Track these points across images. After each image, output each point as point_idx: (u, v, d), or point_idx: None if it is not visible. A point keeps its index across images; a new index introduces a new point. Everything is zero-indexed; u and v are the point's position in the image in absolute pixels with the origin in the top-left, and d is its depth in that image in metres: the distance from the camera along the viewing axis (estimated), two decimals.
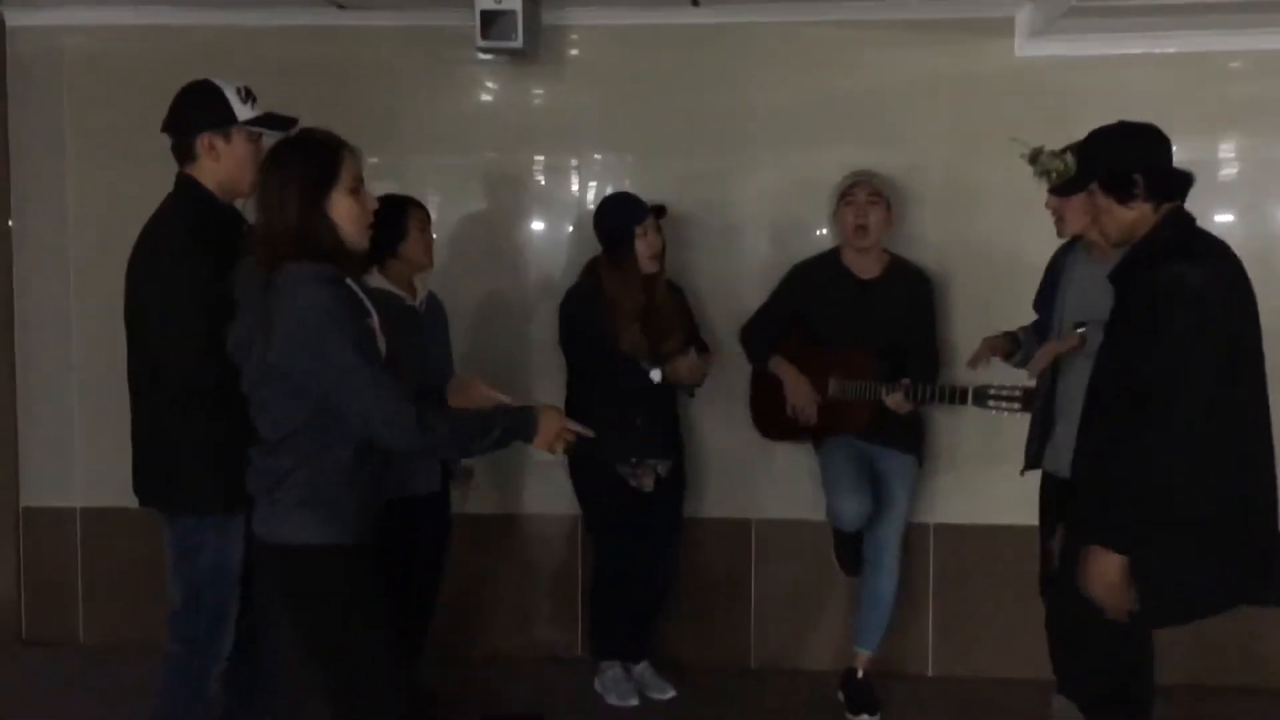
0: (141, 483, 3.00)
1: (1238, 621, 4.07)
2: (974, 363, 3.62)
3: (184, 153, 2.97)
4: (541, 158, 4.49)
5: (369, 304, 2.47)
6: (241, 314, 2.47)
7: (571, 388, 4.02)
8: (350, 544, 2.44)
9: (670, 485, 4.03)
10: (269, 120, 2.98)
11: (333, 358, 2.32)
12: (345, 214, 2.44)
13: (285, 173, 2.42)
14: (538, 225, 4.52)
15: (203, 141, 2.93)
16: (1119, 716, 3.06)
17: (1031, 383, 3.49)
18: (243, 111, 2.95)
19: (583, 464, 3.98)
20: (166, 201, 2.99)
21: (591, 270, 3.97)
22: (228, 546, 2.88)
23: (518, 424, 2.51)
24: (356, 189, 2.47)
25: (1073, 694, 3.19)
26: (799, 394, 3.95)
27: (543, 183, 4.51)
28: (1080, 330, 3.34)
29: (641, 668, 4.14)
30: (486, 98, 4.53)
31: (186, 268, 2.81)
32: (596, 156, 4.48)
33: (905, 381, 3.69)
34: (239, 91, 2.97)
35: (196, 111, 2.95)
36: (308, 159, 2.43)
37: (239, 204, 2.99)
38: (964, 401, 3.65)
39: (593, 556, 4.15)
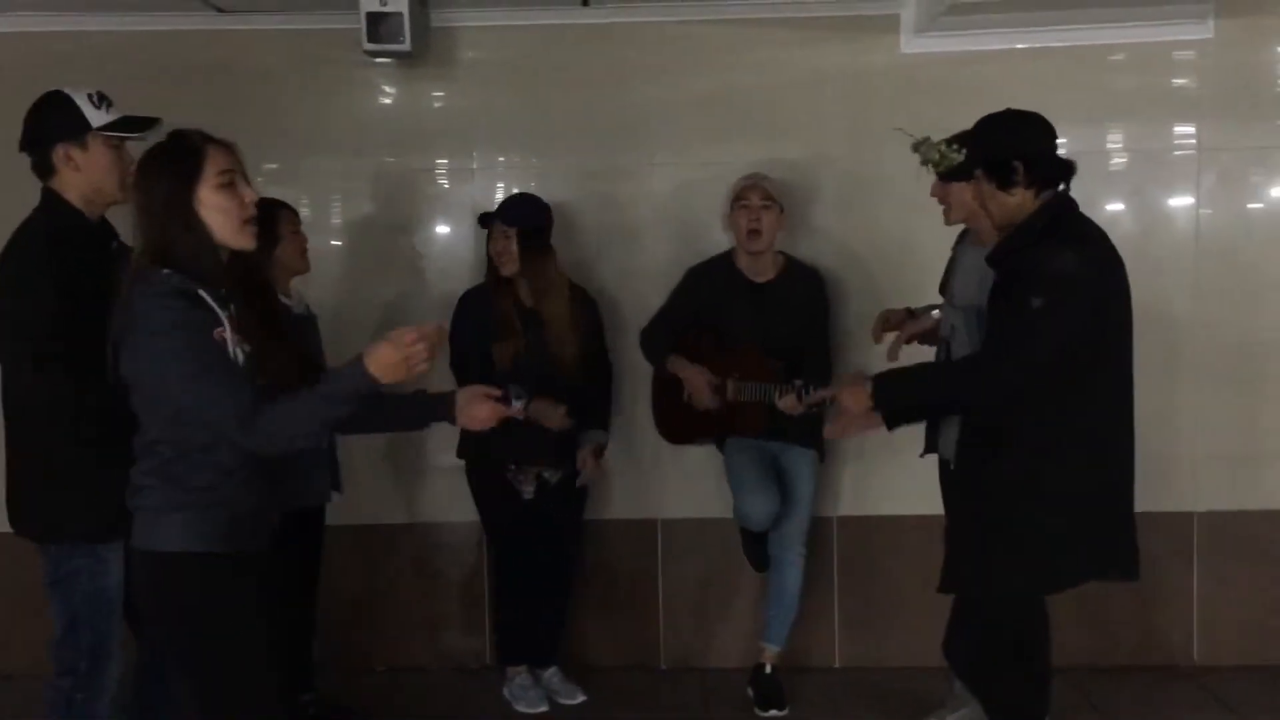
0: (12, 510, 2.90)
1: (1131, 603, 4.24)
2: (876, 336, 3.70)
3: (43, 168, 2.86)
4: (443, 161, 4.43)
5: (220, 313, 2.36)
6: (111, 331, 2.39)
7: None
8: (213, 552, 2.36)
9: (566, 490, 4.00)
10: (125, 124, 2.88)
11: (184, 370, 2.26)
12: (213, 209, 2.36)
13: (150, 177, 2.36)
14: (439, 229, 4.47)
15: (58, 153, 2.82)
16: (1002, 691, 3.11)
17: None
18: (96, 117, 2.84)
19: (475, 467, 3.97)
20: (29, 217, 2.87)
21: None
22: (103, 572, 2.78)
23: (351, 378, 2.30)
24: (228, 183, 2.38)
25: (959, 671, 3.24)
26: (696, 384, 3.95)
27: (445, 186, 4.45)
28: (934, 313, 3.46)
29: (550, 673, 4.11)
30: (381, 100, 4.45)
31: (34, 288, 2.72)
32: (499, 159, 4.44)
33: (797, 383, 3.71)
34: (91, 98, 2.86)
35: (49, 124, 2.84)
36: (169, 159, 2.36)
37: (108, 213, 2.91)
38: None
39: (490, 559, 4.13)
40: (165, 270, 2.31)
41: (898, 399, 3.06)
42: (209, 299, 2.35)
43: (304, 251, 3.72)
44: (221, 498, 2.37)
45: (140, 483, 2.39)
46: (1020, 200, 2.90)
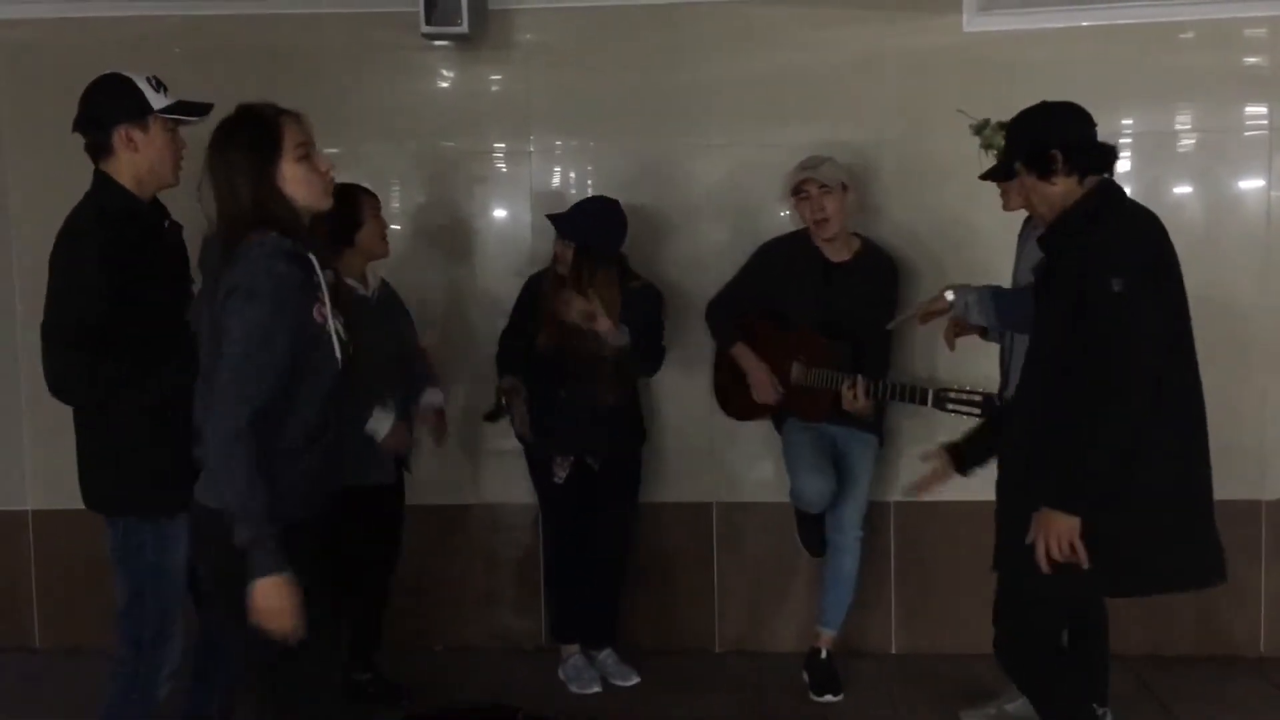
0: (84, 485, 2.95)
1: (1194, 593, 4.17)
2: (923, 319, 3.66)
3: (100, 149, 2.89)
4: (500, 144, 4.44)
5: (323, 284, 2.39)
6: (204, 288, 2.43)
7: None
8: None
9: (614, 474, 4.01)
10: (183, 107, 2.92)
11: (235, 330, 2.27)
12: (297, 181, 2.39)
13: (229, 153, 2.37)
14: (495, 212, 4.48)
15: (119, 135, 2.86)
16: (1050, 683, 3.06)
17: (992, 389, 3.49)
18: (157, 100, 2.88)
19: (531, 450, 4.01)
20: (82, 200, 2.92)
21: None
22: (168, 548, 2.84)
23: (261, 557, 2.26)
24: (305, 154, 2.41)
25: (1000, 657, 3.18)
26: (760, 385, 3.95)
27: (502, 169, 4.46)
28: (947, 293, 3.44)
29: (604, 655, 4.13)
30: (439, 83, 4.47)
31: (84, 278, 2.75)
32: (556, 142, 4.44)
33: (863, 380, 3.68)
34: (150, 81, 2.90)
35: (109, 105, 2.87)
36: (248, 134, 2.38)
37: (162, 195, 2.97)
38: (923, 402, 3.62)
39: (541, 540, 4.16)
40: (273, 233, 2.33)
41: (1089, 497, 2.74)
42: (315, 263, 2.37)
43: (384, 236, 3.76)
44: (290, 466, 2.37)
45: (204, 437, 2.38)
46: (1063, 189, 2.86)
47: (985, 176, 3.17)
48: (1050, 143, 2.85)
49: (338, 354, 2.40)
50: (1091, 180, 2.86)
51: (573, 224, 3.88)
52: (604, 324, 3.83)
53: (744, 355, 3.99)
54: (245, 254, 2.30)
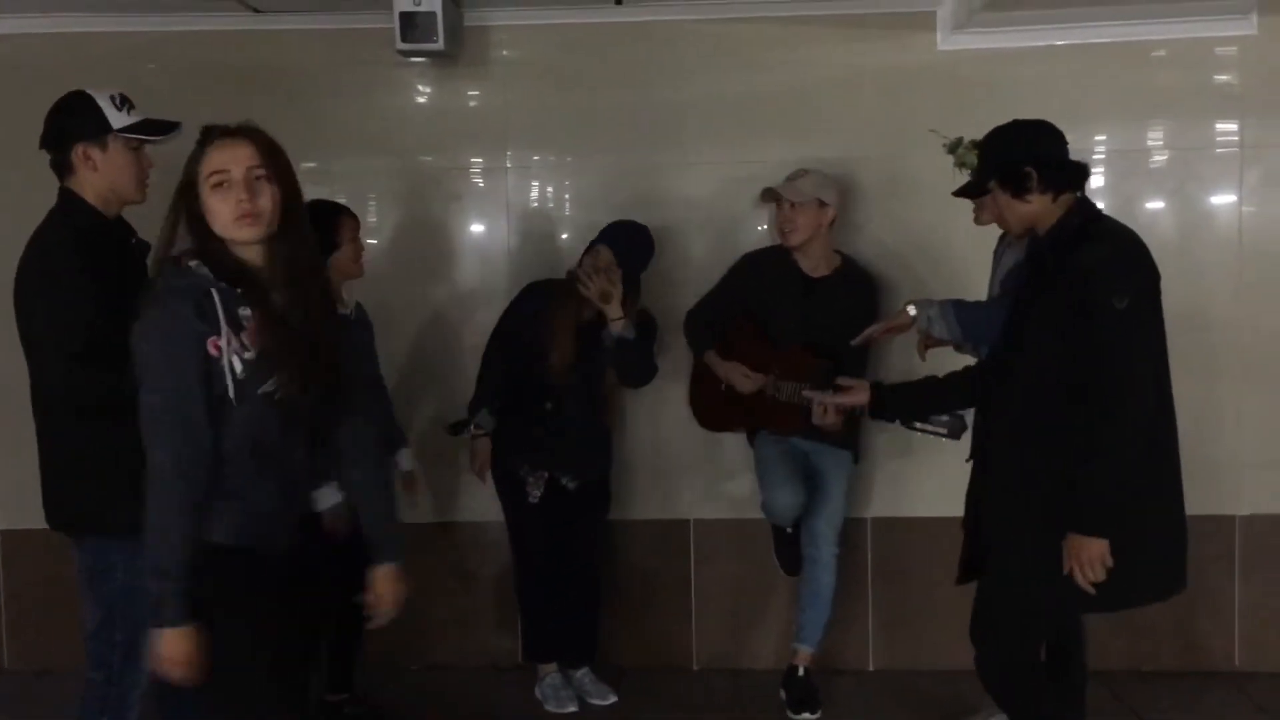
0: (48, 505, 2.91)
1: (1171, 608, 4.18)
2: (885, 333, 3.67)
3: (62, 167, 2.87)
4: (477, 160, 4.44)
5: (223, 316, 2.31)
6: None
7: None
8: (225, 545, 2.33)
9: (585, 496, 4.00)
10: (146, 126, 2.88)
11: (140, 367, 2.27)
12: (210, 209, 2.34)
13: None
14: (473, 228, 4.47)
15: (78, 153, 2.82)
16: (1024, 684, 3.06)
17: (960, 411, 3.49)
18: (118, 119, 2.84)
19: (498, 468, 3.98)
20: (47, 217, 2.89)
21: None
22: (138, 567, 2.79)
23: (167, 602, 2.27)
24: (219, 184, 2.33)
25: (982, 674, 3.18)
26: (737, 377, 3.97)
27: (479, 185, 4.45)
28: (909, 308, 3.47)
29: (582, 673, 4.10)
30: (414, 100, 4.46)
31: (63, 285, 2.73)
32: (533, 158, 4.44)
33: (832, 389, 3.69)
34: (114, 99, 2.86)
35: (70, 123, 2.85)
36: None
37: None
38: (892, 420, 3.57)
39: (511, 559, 4.10)
40: (193, 262, 2.30)
41: (1119, 514, 2.74)
42: (217, 299, 2.30)
43: (359, 257, 3.73)
44: (234, 490, 2.34)
45: None
46: (1037, 206, 2.88)
47: (959, 193, 3.19)
48: (1024, 160, 2.87)
49: (230, 388, 2.31)
50: (1066, 198, 2.88)
51: (627, 245, 3.89)
52: (618, 309, 3.81)
53: (714, 362, 4.01)
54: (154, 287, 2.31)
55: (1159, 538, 2.82)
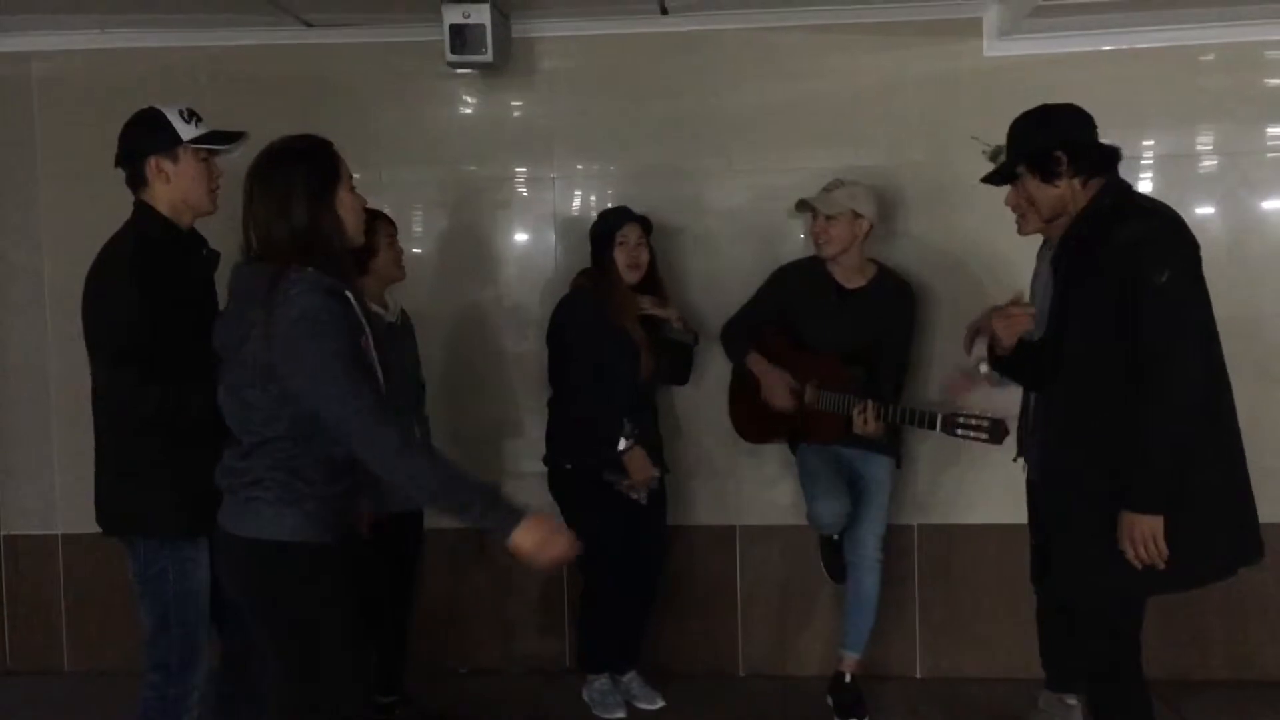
0: (101, 510, 3.00)
1: (1222, 616, 4.15)
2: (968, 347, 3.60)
3: (136, 180, 2.99)
4: (523, 170, 4.48)
5: (365, 321, 2.43)
6: (232, 311, 2.45)
7: (562, 398, 4.01)
8: (322, 543, 2.42)
9: (656, 496, 4.03)
10: (214, 137, 3.00)
11: (313, 364, 2.30)
12: (350, 209, 2.46)
13: (287, 176, 2.40)
14: (519, 236, 4.52)
15: (151, 166, 2.94)
16: (1116, 696, 3.01)
17: (1001, 415, 3.49)
18: (187, 131, 2.96)
19: (569, 482, 3.96)
20: (121, 228, 3.00)
21: (583, 275, 4.02)
22: (189, 572, 2.87)
23: (501, 515, 2.37)
24: (353, 186, 2.50)
25: (1067, 683, 3.16)
26: (774, 390, 3.96)
27: (524, 194, 4.50)
28: (982, 368, 3.38)
29: (629, 678, 4.13)
30: (462, 110, 4.52)
31: (124, 295, 2.81)
32: (577, 167, 4.48)
33: (870, 402, 3.70)
34: (182, 113, 2.99)
35: (141, 138, 2.97)
36: (310, 159, 2.43)
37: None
38: (931, 426, 3.61)
39: (581, 574, 4.06)
40: (310, 269, 2.35)
41: (1170, 492, 2.75)
42: (354, 302, 2.40)
43: (399, 260, 3.80)
44: (336, 491, 2.43)
45: (256, 473, 2.41)
46: (1065, 191, 2.89)
47: (986, 180, 3.17)
48: (1053, 144, 2.87)
49: (381, 386, 2.44)
50: (1096, 182, 2.87)
51: (627, 215, 3.95)
52: (675, 312, 3.94)
53: (757, 362, 4.01)
54: (287, 289, 2.31)
55: (1223, 509, 2.79)
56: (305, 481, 2.40)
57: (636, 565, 4.01)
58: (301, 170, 2.41)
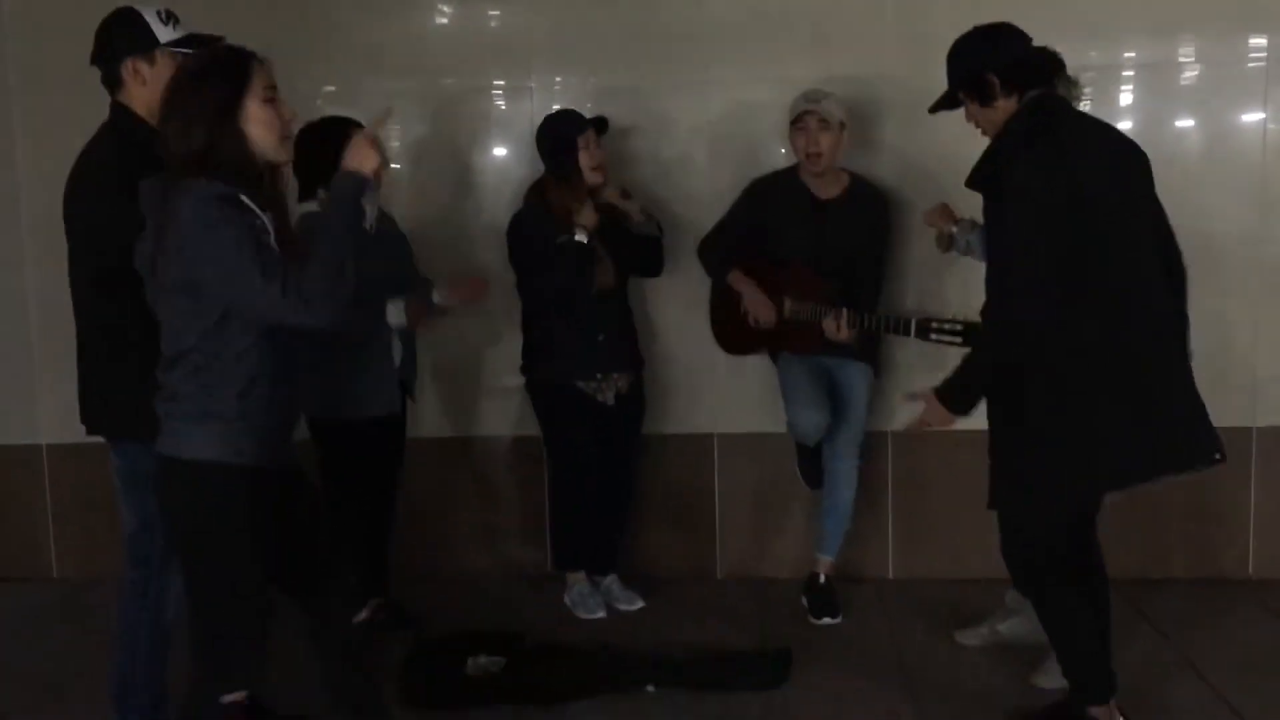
0: (85, 410, 3.02)
1: (1185, 516, 4.26)
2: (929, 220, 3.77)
3: (112, 81, 2.96)
4: (500, 81, 4.45)
5: (265, 224, 2.41)
6: (146, 232, 2.46)
7: (529, 312, 4.06)
8: (236, 464, 2.42)
9: (630, 401, 4.09)
10: (191, 40, 2.95)
11: (212, 253, 2.30)
12: (260, 122, 2.41)
13: (193, 86, 2.39)
14: (496, 149, 4.50)
15: (127, 67, 2.92)
16: (1044, 600, 3.13)
17: (975, 318, 3.54)
18: (164, 34, 2.93)
19: (541, 381, 4.04)
20: (99, 129, 2.98)
21: (536, 190, 4.01)
22: None
23: (338, 189, 2.43)
24: (271, 98, 2.44)
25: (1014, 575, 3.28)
26: (756, 305, 4.00)
27: (502, 106, 4.47)
28: (952, 228, 3.63)
29: (609, 580, 4.23)
30: (440, 21, 4.48)
31: (105, 195, 2.81)
32: (556, 79, 4.45)
33: (845, 310, 3.74)
34: (159, 15, 2.95)
35: (118, 38, 2.93)
36: (217, 70, 2.41)
37: None
38: (906, 333, 3.66)
39: (550, 471, 4.21)
40: (202, 179, 2.34)
41: (972, 399, 3.00)
42: (250, 203, 2.39)
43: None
44: (248, 409, 2.42)
45: (173, 391, 2.44)
46: (1004, 110, 2.95)
47: (933, 109, 3.20)
48: (984, 68, 2.93)
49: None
50: (1031, 95, 2.91)
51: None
52: (637, 205, 3.97)
53: (739, 280, 4.04)
54: (178, 199, 2.32)
55: (1114, 427, 2.84)
56: (215, 399, 2.40)
57: (608, 469, 4.09)
58: (203, 87, 2.38)
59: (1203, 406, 2.93)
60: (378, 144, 2.46)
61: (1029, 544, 3.07)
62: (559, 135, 3.91)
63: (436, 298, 3.89)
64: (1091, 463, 2.87)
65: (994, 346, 2.93)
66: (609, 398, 4.01)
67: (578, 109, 4.18)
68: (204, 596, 2.53)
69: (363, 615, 3.88)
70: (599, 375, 3.98)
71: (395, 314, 3.69)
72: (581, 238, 3.80)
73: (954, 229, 3.64)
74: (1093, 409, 2.83)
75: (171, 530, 2.57)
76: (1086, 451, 2.85)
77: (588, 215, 3.83)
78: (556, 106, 4.36)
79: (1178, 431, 2.90)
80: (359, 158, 2.43)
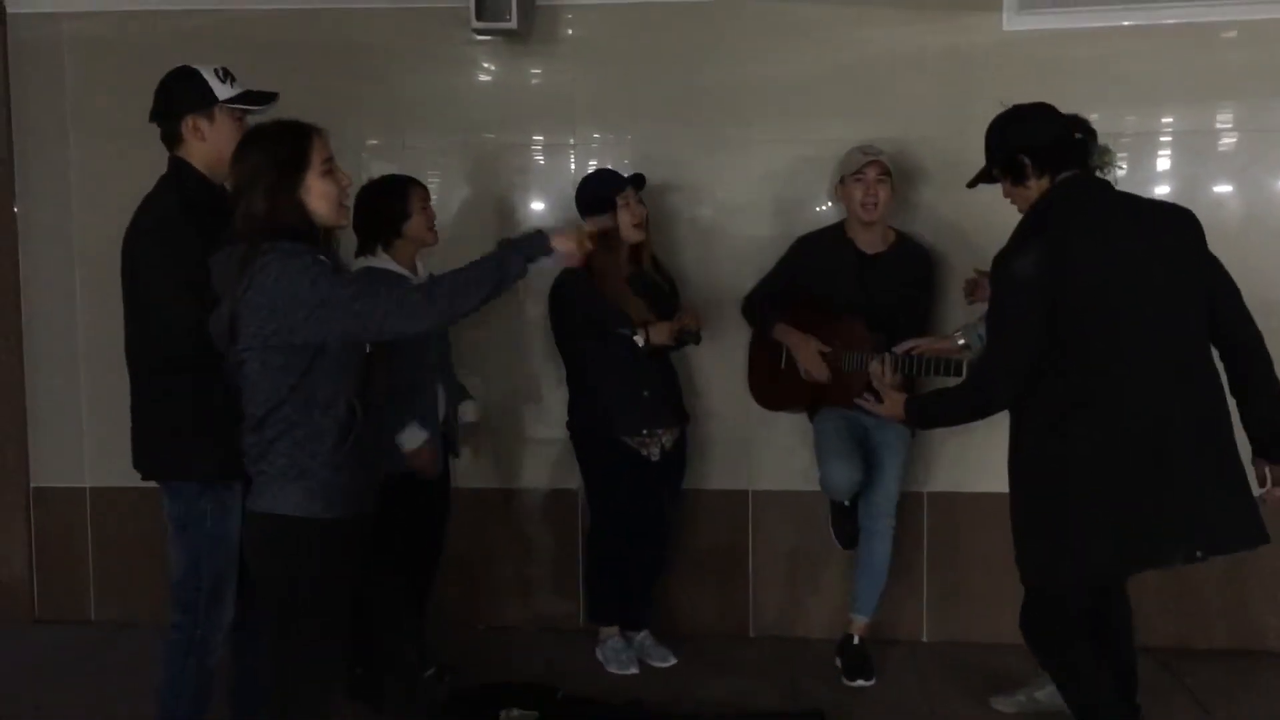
0: (140, 455, 3.07)
1: (1225, 586, 4.20)
2: (969, 291, 3.85)
3: (172, 137, 3.05)
4: (540, 137, 4.52)
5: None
6: (222, 301, 2.55)
7: (574, 369, 4.10)
8: (327, 519, 2.53)
9: (672, 457, 4.11)
10: (248, 97, 3.06)
11: (307, 296, 2.41)
12: (319, 195, 2.54)
13: (257, 159, 2.53)
14: (536, 205, 4.56)
15: (187, 124, 3.01)
16: (1055, 669, 3.18)
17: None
18: (222, 91, 3.03)
19: (586, 434, 4.07)
20: (159, 182, 3.06)
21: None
22: (226, 516, 2.95)
23: (525, 243, 2.57)
24: (329, 170, 2.57)
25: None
26: (808, 355, 4.00)
27: (541, 162, 4.54)
28: (958, 337, 3.69)
29: (642, 636, 4.22)
30: (483, 78, 4.56)
31: (175, 243, 2.88)
32: (595, 135, 4.51)
33: (890, 356, 3.74)
34: (217, 72, 3.05)
35: (178, 96, 3.03)
36: (279, 145, 2.53)
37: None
38: (957, 374, 3.65)
39: (590, 524, 4.22)
40: (280, 242, 2.47)
41: (927, 427, 3.32)
42: (326, 259, 2.53)
43: (432, 224, 3.86)
44: (340, 461, 2.52)
45: (264, 449, 2.54)
46: (1036, 189, 3.00)
47: (971, 183, 3.25)
48: (1017, 148, 2.98)
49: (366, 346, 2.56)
50: (1063, 177, 2.96)
51: (617, 178, 3.99)
52: (694, 320, 4.09)
53: (787, 332, 4.04)
54: (263, 263, 2.44)
55: (1101, 515, 2.85)
56: (308, 454, 2.50)
57: (648, 524, 4.09)
58: (263, 156, 2.52)
59: (1224, 493, 2.88)
60: (584, 244, 2.62)
61: (1045, 607, 3.09)
62: (598, 195, 3.96)
63: (470, 415, 3.99)
64: (1063, 552, 2.90)
65: (965, 405, 3.15)
66: (654, 453, 4.02)
67: (617, 166, 4.24)
68: (293, 649, 2.60)
69: (430, 671, 3.84)
70: (645, 431, 4.00)
71: (409, 438, 3.65)
72: (639, 340, 3.86)
73: (960, 342, 3.69)
74: (1068, 502, 2.88)
75: (265, 585, 2.65)
76: (1061, 541, 2.90)
77: (653, 327, 3.91)
78: (594, 164, 4.44)
79: (1156, 526, 2.85)
80: (567, 241, 2.58)
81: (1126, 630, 3.31)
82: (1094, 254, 2.86)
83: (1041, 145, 2.97)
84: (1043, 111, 3.03)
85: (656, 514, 4.13)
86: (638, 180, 4.01)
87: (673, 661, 4.17)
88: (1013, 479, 3.05)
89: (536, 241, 2.57)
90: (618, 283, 3.93)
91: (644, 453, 4.00)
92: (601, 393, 4.00)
